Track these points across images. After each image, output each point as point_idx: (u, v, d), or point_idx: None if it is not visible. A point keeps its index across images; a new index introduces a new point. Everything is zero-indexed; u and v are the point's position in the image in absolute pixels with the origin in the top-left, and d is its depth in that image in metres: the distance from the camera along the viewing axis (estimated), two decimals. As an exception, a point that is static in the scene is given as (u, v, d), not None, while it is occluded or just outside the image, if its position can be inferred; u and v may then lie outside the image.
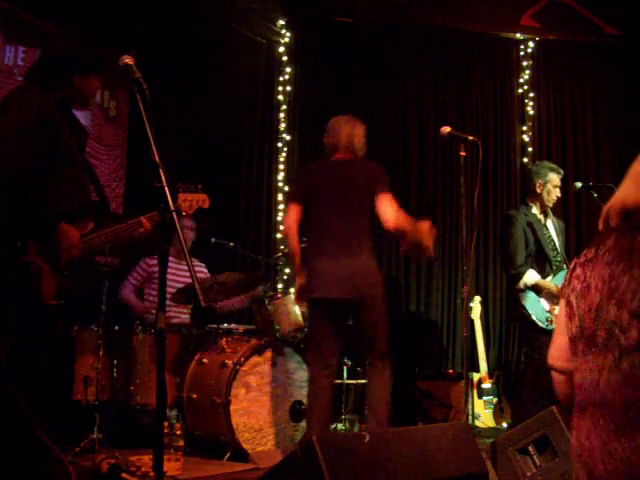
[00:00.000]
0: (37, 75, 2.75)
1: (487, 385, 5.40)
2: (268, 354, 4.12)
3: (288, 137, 6.39)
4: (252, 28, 6.25)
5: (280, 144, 6.37)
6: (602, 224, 1.57)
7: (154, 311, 4.70)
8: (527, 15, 6.41)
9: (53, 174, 2.61)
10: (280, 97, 6.42)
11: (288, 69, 6.44)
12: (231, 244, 5.08)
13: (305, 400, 4.13)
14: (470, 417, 4.94)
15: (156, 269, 4.80)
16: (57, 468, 2.20)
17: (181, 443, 3.71)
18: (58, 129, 2.63)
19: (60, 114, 2.66)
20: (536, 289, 4.17)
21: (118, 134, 5.62)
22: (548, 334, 3.88)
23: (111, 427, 3.96)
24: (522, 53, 6.66)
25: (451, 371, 5.83)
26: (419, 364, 5.80)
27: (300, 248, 3.70)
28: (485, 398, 5.35)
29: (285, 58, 6.45)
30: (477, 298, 5.66)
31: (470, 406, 4.99)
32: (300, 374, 4.20)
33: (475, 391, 5.32)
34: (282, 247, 6.07)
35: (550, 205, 4.40)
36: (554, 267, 4.28)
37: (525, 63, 6.66)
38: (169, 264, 4.71)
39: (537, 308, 4.15)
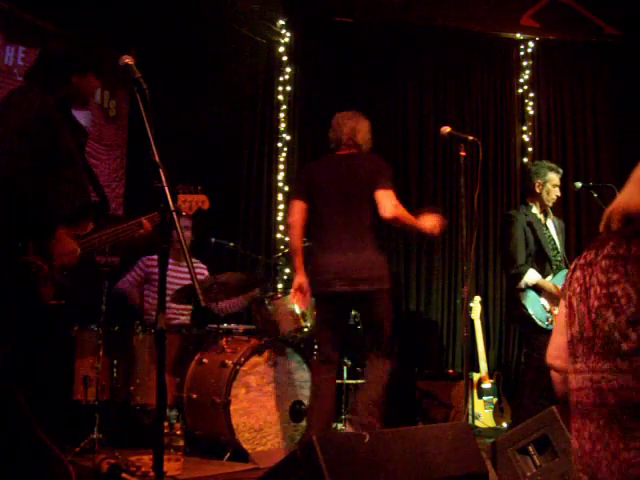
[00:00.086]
0: (36, 75, 2.75)
1: (487, 385, 5.40)
2: (268, 354, 4.12)
3: (288, 137, 6.39)
4: (252, 28, 6.25)
5: (280, 144, 6.37)
6: (603, 227, 1.57)
7: (154, 312, 4.70)
8: (527, 15, 6.41)
9: (53, 174, 2.61)
10: (280, 97, 6.42)
11: (288, 69, 6.44)
12: (231, 244, 5.08)
13: (305, 400, 4.14)
14: (470, 417, 4.94)
15: (154, 270, 4.80)
16: (57, 468, 2.20)
17: (181, 443, 3.71)
18: (58, 129, 2.63)
19: (60, 114, 2.66)
20: (536, 289, 4.18)
21: (118, 134, 5.62)
22: (548, 334, 3.85)
23: (111, 427, 3.96)
24: (522, 53, 6.66)
25: (451, 371, 5.83)
26: (419, 364, 5.80)
27: (302, 246, 3.70)
28: (485, 398, 5.35)
29: (285, 58, 6.45)
30: (477, 298, 5.67)
31: (470, 406, 4.99)
32: (300, 374, 4.20)
33: (475, 391, 5.32)
34: (282, 247, 6.07)
35: (550, 205, 4.40)
36: (554, 267, 4.28)
37: (525, 63, 6.66)
38: (168, 265, 4.69)
39: (537, 308, 4.15)
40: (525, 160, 6.50)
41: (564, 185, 4.51)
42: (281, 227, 6.25)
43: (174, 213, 1.94)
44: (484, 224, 6.38)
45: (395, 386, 3.65)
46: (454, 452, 2.33)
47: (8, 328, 2.44)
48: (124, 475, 3.20)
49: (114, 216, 4.96)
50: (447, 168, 6.48)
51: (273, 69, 6.45)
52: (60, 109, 2.68)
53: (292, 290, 3.76)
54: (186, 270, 4.75)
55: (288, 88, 6.44)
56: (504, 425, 5.24)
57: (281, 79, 6.43)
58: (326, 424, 3.59)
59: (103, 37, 4.76)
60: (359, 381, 4.97)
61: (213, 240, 4.95)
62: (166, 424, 3.70)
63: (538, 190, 4.34)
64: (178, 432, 3.73)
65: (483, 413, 5.28)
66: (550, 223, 4.43)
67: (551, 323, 4.07)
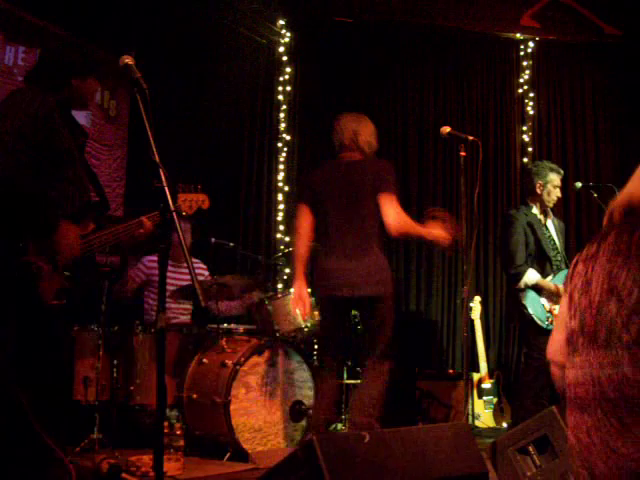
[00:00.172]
0: (36, 78, 2.75)
1: (487, 385, 5.41)
2: (268, 354, 4.12)
3: (288, 137, 6.39)
4: (252, 28, 6.25)
5: (280, 144, 6.37)
6: (606, 220, 1.58)
7: (154, 312, 4.70)
8: (527, 15, 6.42)
9: (53, 175, 2.61)
10: (280, 97, 6.42)
11: (288, 69, 6.45)
12: (231, 244, 5.08)
13: (305, 400, 4.15)
14: (470, 417, 4.94)
15: (154, 270, 4.80)
16: (58, 468, 2.20)
17: (181, 443, 3.71)
18: (57, 129, 2.63)
19: (59, 115, 2.66)
20: (536, 289, 4.18)
21: (118, 134, 5.63)
22: (548, 334, 3.85)
23: (111, 427, 3.96)
24: (522, 53, 6.67)
25: (451, 371, 5.83)
26: (419, 364, 5.80)
27: (306, 254, 3.67)
28: (485, 398, 5.36)
29: (285, 58, 6.45)
30: (477, 298, 5.66)
31: (470, 406, 5.00)
32: (300, 374, 4.20)
33: (475, 391, 5.32)
34: (282, 247, 6.08)
35: (550, 205, 4.40)
36: (554, 267, 4.28)
37: (525, 63, 6.67)
38: (168, 267, 4.68)
39: (537, 308, 4.15)
40: (525, 160, 6.51)
41: (564, 185, 4.51)
42: (281, 227, 6.25)
43: (174, 213, 1.94)
44: (484, 224, 6.38)
45: (395, 386, 3.65)
46: (454, 452, 2.33)
47: (9, 328, 2.45)
48: (124, 475, 3.20)
49: (114, 217, 4.96)
50: (447, 168, 6.49)
51: (273, 69, 6.45)
52: (60, 110, 2.68)
53: (293, 301, 3.76)
54: (186, 272, 4.76)
55: (288, 88, 6.44)
56: (504, 425, 5.24)
57: (281, 79, 6.44)
58: (324, 420, 3.60)
59: (103, 37, 4.77)
60: (359, 381, 4.97)
61: (213, 240, 4.95)
62: (166, 424, 3.70)
63: (539, 191, 4.33)
64: (178, 432, 3.73)
65: (483, 413, 5.28)
66: (550, 223, 4.42)
67: (551, 323, 4.07)
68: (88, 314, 4.07)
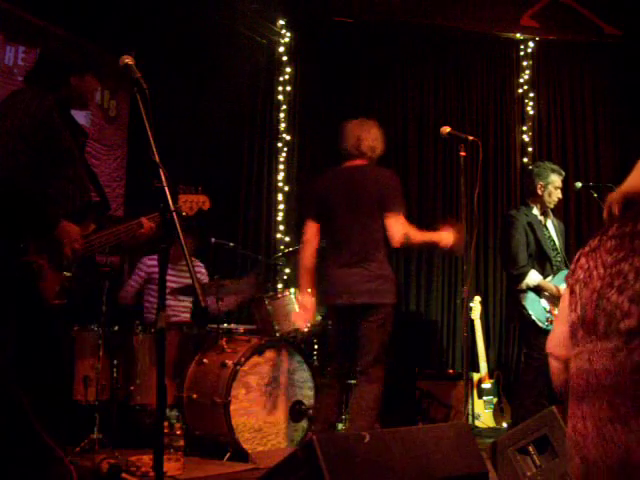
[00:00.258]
0: (35, 78, 2.75)
1: (487, 385, 5.41)
2: (268, 354, 4.12)
3: (288, 137, 6.39)
4: (252, 28, 6.25)
5: (280, 144, 6.37)
6: (606, 213, 1.59)
7: (154, 311, 4.70)
8: (527, 15, 6.42)
9: (53, 174, 2.61)
10: (280, 97, 6.42)
11: (288, 69, 6.44)
12: (231, 244, 5.08)
13: (305, 400, 4.15)
14: (470, 417, 4.94)
15: (154, 269, 4.81)
16: (59, 468, 2.20)
17: (181, 443, 3.72)
18: (58, 130, 2.63)
19: (59, 114, 2.66)
20: (537, 290, 4.17)
21: (118, 134, 5.63)
22: (548, 334, 3.87)
23: (111, 427, 3.96)
24: (522, 53, 6.66)
25: (451, 371, 5.83)
26: (419, 364, 5.80)
27: (312, 266, 3.67)
28: (485, 398, 5.36)
29: (285, 58, 6.45)
30: (477, 298, 5.66)
31: (470, 406, 4.99)
32: (300, 374, 4.20)
33: (475, 391, 5.32)
34: (282, 247, 6.08)
35: (551, 206, 4.39)
36: (554, 267, 4.28)
37: (525, 63, 6.66)
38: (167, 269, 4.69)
39: (537, 308, 4.15)
40: (525, 160, 6.51)
41: (564, 185, 4.50)
42: (281, 227, 6.26)
43: (174, 213, 1.94)
44: (484, 224, 6.38)
45: (395, 386, 3.65)
46: (454, 452, 2.34)
47: (9, 328, 2.45)
48: (124, 475, 3.20)
49: (115, 216, 4.96)
50: (447, 168, 6.49)
51: (273, 69, 6.45)
52: (59, 109, 2.68)
53: (296, 314, 3.80)
54: (185, 272, 4.76)
55: (288, 88, 6.44)
56: (504, 425, 5.24)
57: (281, 79, 6.44)
58: (326, 420, 3.60)
59: (103, 37, 4.77)
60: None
61: (213, 240, 4.95)
62: (166, 424, 3.70)
63: (540, 192, 4.32)
64: (178, 432, 3.74)
65: (483, 413, 5.28)
66: (550, 224, 4.42)
67: (551, 324, 4.07)
68: (88, 314, 4.07)
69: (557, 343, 1.67)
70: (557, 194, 4.36)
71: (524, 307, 4.15)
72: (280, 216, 6.26)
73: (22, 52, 4.88)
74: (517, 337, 6.10)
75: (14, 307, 2.45)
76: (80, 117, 3.00)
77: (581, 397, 1.49)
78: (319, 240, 3.69)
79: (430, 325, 6.34)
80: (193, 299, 4.91)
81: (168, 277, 4.55)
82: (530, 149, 6.55)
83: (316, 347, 5.21)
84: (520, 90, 6.65)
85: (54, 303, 2.51)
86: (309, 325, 4.22)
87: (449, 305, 6.38)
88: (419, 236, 3.55)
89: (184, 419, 4.07)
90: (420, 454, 2.23)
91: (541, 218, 4.38)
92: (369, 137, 3.65)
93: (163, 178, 1.94)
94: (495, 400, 5.39)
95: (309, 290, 3.71)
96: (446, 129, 3.64)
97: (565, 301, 1.61)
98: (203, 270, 5.07)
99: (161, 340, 1.95)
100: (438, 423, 4.92)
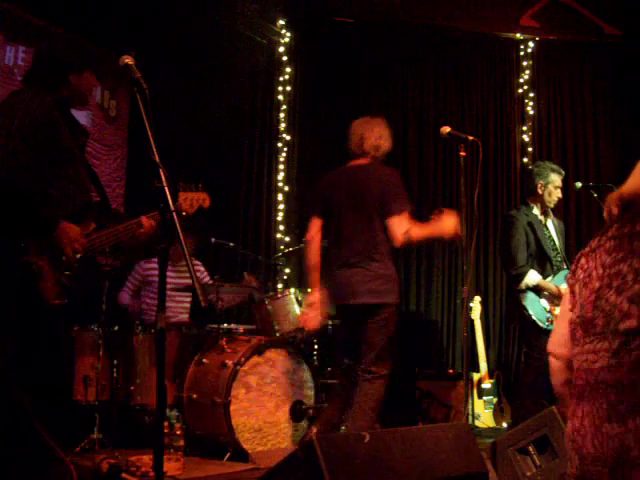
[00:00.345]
0: (34, 78, 2.75)
1: (487, 385, 5.41)
2: (268, 354, 4.12)
3: (288, 137, 6.39)
4: (252, 28, 6.25)
5: (280, 144, 6.37)
6: (606, 214, 1.59)
7: (153, 312, 4.70)
8: (527, 15, 6.42)
9: (54, 174, 2.61)
10: (280, 97, 6.42)
11: (288, 69, 6.45)
12: (231, 244, 5.08)
13: (305, 400, 4.15)
14: (470, 417, 4.93)
15: (152, 272, 4.83)
16: (59, 468, 2.20)
17: (181, 443, 3.71)
18: (58, 129, 2.63)
19: (59, 114, 2.66)
20: (536, 290, 4.17)
21: (118, 134, 5.63)
22: (548, 334, 3.86)
23: (111, 427, 3.96)
24: (522, 53, 6.67)
25: (451, 371, 5.83)
26: (419, 364, 5.80)
27: (319, 263, 3.65)
28: (485, 398, 5.36)
29: (285, 58, 6.45)
30: (477, 298, 5.66)
31: (470, 406, 4.99)
32: (300, 374, 4.20)
33: (475, 391, 5.32)
34: (282, 247, 6.08)
35: (551, 206, 4.39)
36: (554, 267, 4.28)
37: (525, 63, 6.67)
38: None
39: (537, 308, 4.15)
40: (525, 160, 6.51)
41: (564, 185, 4.51)
42: (281, 227, 6.26)
43: (174, 213, 1.94)
44: (484, 224, 6.38)
45: (395, 386, 3.65)
46: (454, 452, 2.34)
47: (10, 329, 2.45)
48: (124, 475, 3.20)
49: (116, 212, 4.96)
50: (447, 168, 6.49)
51: (273, 69, 6.45)
52: (59, 109, 2.68)
53: (302, 308, 3.77)
54: (185, 272, 4.77)
55: (288, 88, 6.44)
56: (504, 425, 5.24)
57: (281, 79, 6.44)
58: (328, 420, 3.60)
59: (103, 37, 4.77)
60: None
61: (213, 240, 4.95)
62: (166, 424, 3.70)
63: (540, 191, 4.33)
64: (178, 432, 3.73)
65: (483, 413, 5.28)
66: (550, 224, 4.42)
67: (551, 323, 4.08)
68: (88, 314, 4.07)
69: (558, 342, 1.68)
70: (557, 194, 4.36)
71: (524, 307, 4.15)
72: (280, 216, 6.26)
73: (22, 52, 4.88)
74: (517, 337, 6.11)
75: (14, 307, 2.45)
76: (81, 117, 3.00)
77: (580, 396, 1.50)
78: (322, 238, 3.68)
79: (430, 325, 6.34)
80: (192, 299, 4.91)
81: (168, 277, 4.56)
82: (530, 149, 6.55)
83: (316, 347, 5.21)
84: (520, 90, 6.65)
85: (54, 303, 2.51)
86: (320, 325, 4.20)
87: (449, 305, 6.38)
88: (422, 232, 3.49)
89: (184, 419, 4.07)
90: (420, 454, 2.23)
91: (541, 218, 4.38)
92: (372, 135, 3.63)
93: (163, 178, 1.94)
94: (495, 400, 5.39)
95: (317, 288, 3.67)
96: (446, 129, 3.64)
97: (566, 301, 1.62)
98: (203, 270, 5.07)
99: (161, 340, 1.95)
100: (438, 423, 4.92)
